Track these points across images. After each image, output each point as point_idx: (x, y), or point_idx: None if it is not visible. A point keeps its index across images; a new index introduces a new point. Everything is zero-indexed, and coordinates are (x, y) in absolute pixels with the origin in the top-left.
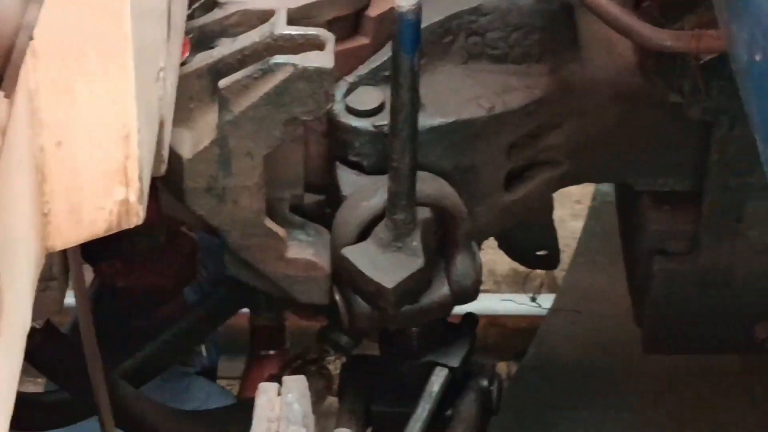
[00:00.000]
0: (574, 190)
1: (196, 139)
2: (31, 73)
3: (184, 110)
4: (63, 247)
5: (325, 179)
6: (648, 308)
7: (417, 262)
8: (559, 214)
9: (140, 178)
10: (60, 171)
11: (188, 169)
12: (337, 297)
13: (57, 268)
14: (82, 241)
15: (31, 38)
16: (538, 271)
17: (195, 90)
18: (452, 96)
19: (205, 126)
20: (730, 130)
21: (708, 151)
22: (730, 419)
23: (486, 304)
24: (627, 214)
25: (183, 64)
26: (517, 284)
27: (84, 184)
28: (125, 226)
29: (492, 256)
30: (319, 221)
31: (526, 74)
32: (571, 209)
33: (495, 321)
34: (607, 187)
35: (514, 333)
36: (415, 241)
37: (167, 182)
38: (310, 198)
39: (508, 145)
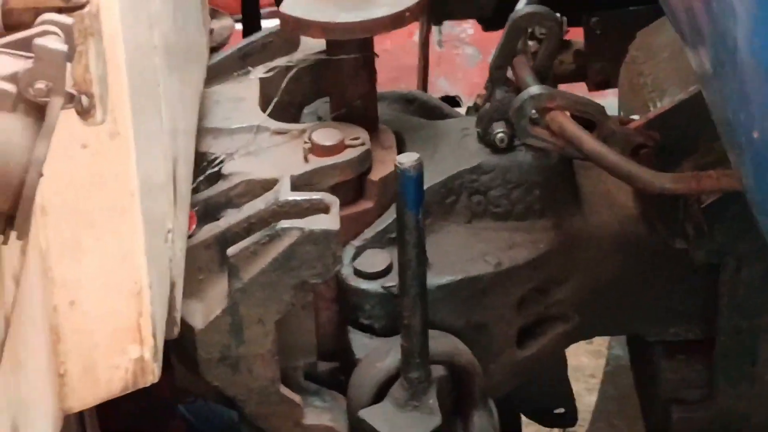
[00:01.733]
0: (587, 363)
1: (207, 309)
2: (41, 231)
3: (193, 282)
4: (80, 408)
5: (338, 345)
6: None
7: (434, 420)
8: (574, 388)
9: (154, 336)
10: (74, 330)
11: (201, 340)
12: None
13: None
14: (99, 402)
15: (41, 174)
16: None
17: (204, 261)
18: (459, 254)
19: (216, 296)
20: (737, 272)
21: (716, 295)
22: None
23: None
24: (641, 365)
25: (190, 236)
26: None
27: (98, 343)
28: (141, 385)
29: None
30: (334, 388)
31: (530, 230)
32: (586, 383)
33: None
34: (620, 351)
35: None
36: (431, 399)
37: (180, 355)
38: (323, 366)
39: (517, 301)
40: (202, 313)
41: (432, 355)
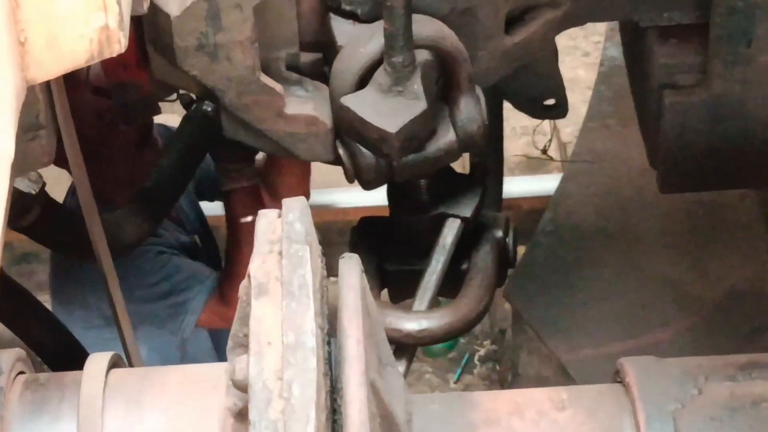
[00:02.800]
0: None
1: None
2: None
3: None
4: (45, 78)
5: (320, 36)
6: (661, 146)
7: (419, 105)
8: (570, 100)
9: (119, 3)
10: None
11: (177, 27)
12: (341, 150)
13: (44, 116)
14: (63, 72)
15: None
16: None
17: None
18: None
19: None
20: None
21: None
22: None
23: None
24: (634, 54)
25: None
26: (530, 170)
27: (60, 12)
28: (107, 55)
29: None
30: (317, 80)
31: None
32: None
33: (510, 203)
34: (615, 53)
35: (530, 214)
36: (416, 84)
37: (157, 45)
38: (306, 57)
39: None
40: (178, 0)
41: (416, 39)
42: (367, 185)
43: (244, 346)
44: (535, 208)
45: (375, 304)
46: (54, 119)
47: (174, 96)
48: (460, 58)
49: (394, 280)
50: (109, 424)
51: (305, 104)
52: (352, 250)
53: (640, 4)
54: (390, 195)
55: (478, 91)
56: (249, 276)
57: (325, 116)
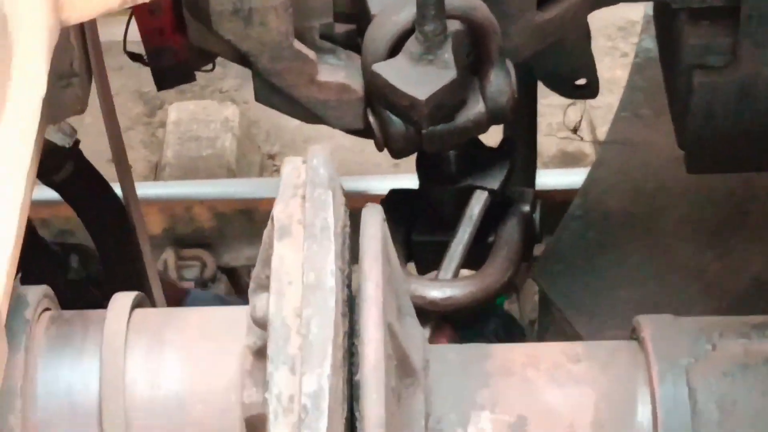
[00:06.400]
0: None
1: None
2: None
3: None
4: (79, 20)
5: (354, 7)
6: (689, 126)
7: (449, 74)
8: (607, 100)
9: None
10: None
11: None
12: (371, 119)
13: (78, 63)
14: (96, 14)
15: None
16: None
17: None
18: None
19: None
20: None
21: None
22: None
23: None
24: (666, 37)
25: None
26: (565, 165)
27: None
28: (140, 0)
29: (539, 138)
30: (351, 50)
31: None
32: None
33: (543, 195)
34: (650, 44)
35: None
36: (447, 54)
37: (194, 10)
38: (340, 28)
39: None
40: None
41: (448, 8)
42: (397, 154)
43: (265, 287)
44: (567, 200)
45: (396, 255)
46: (88, 68)
47: (210, 66)
48: (491, 30)
49: (421, 251)
50: (131, 360)
51: (338, 72)
52: None
53: None
54: (419, 167)
55: (509, 64)
56: (272, 218)
57: (357, 84)
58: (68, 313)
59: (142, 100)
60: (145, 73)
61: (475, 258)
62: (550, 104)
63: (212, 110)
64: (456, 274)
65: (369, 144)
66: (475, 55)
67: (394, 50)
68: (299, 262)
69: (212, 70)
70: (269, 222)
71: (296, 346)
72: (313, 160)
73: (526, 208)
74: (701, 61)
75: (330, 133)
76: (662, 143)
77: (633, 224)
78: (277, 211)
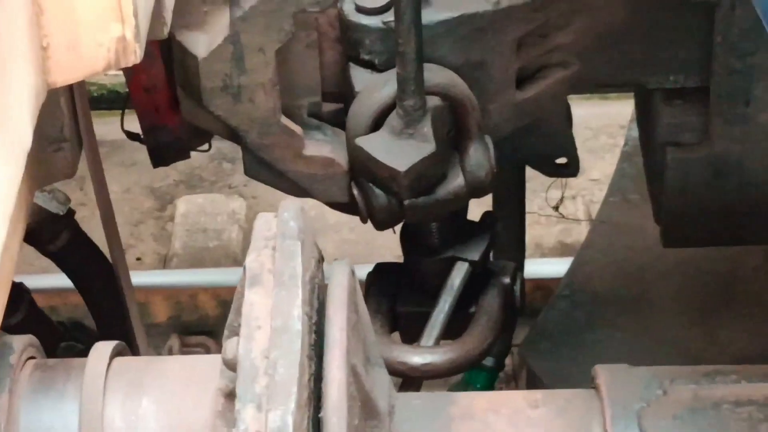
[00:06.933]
0: None
1: (210, 39)
2: None
3: (198, 14)
4: (65, 83)
5: (341, 87)
6: (665, 201)
7: (428, 147)
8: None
9: (135, 15)
10: (57, 4)
11: (204, 69)
12: (356, 191)
13: (68, 129)
14: (82, 77)
15: None
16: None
17: None
18: None
19: (219, 27)
20: (731, 10)
21: (712, 36)
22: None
23: (532, 268)
24: (644, 118)
25: None
26: (563, 255)
27: (81, 19)
28: (123, 65)
29: (539, 230)
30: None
31: None
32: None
33: (540, 284)
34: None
35: None
36: (426, 128)
37: (186, 87)
38: (328, 107)
39: (516, 42)
40: (205, 43)
41: (427, 85)
42: (380, 225)
43: (237, 333)
44: None
45: (365, 306)
46: (78, 133)
47: (206, 146)
48: (469, 106)
49: (405, 321)
50: (110, 403)
51: (323, 147)
52: (366, 292)
53: (648, 68)
54: (403, 239)
55: (488, 140)
56: (244, 269)
57: (342, 159)
58: (52, 361)
59: (153, 195)
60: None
61: (456, 329)
62: (549, 197)
63: (219, 203)
64: (437, 342)
65: (376, 236)
66: (455, 130)
67: (376, 125)
68: (269, 308)
69: (209, 150)
70: (242, 272)
71: (263, 385)
72: (284, 214)
73: (507, 279)
74: (675, 139)
75: (336, 227)
76: (649, 226)
77: (620, 303)
78: (249, 261)
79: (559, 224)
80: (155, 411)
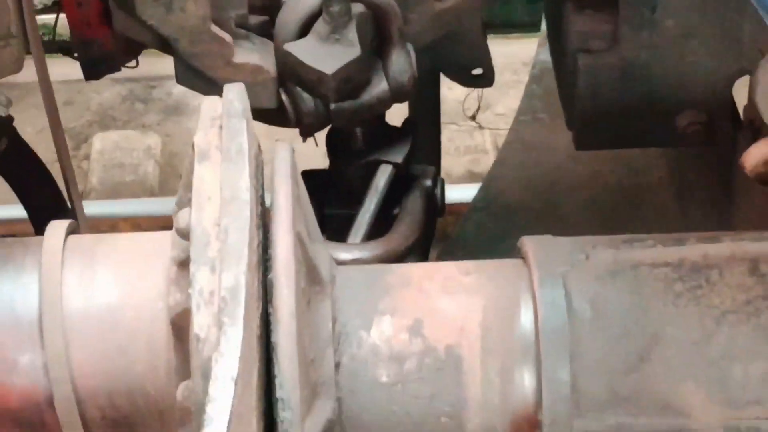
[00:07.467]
0: None
1: None
2: None
3: None
4: None
5: (268, 0)
6: (577, 106)
7: (354, 51)
8: None
9: None
10: None
11: None
12: (284, 96)
13: (15, 27)
14: None
15: None
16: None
17: None
18: None
19: None
20: None
21: None
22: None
23: None
24: (555, 29)
25: None
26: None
27: None
28: None
29: (449, 161)
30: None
31: None
32: None
33: (452, 209)
34: (545, 56)
35: None
36: (352, 33)
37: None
38: (255, 19)
39: None
40: None
41: None
42: (307, 129)
43: (188, 205)
44: None
45: (305, 187)
46: (24, 32)
47: (134, 63)
48: (392, 13)
49: (332, 223)
50: (67, 275)
51: (252, 54)
52: None
53: None
54: (329, 145)
55: (410, 47)
56: (193, 146)
57: (270, 66)
58: (9, 239)
59: (67, 135)
60: (71, 110)
61: (381, 228)
62: (459, 129)
63: (135, 139)
64: (363, 240)
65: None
66: (378, 38)
67: (303, 31)
68: (217, 180)
69: (136, 66)
70: (190, 150)
71: (215, 250)
72: (228, 94)
73: (428, 182)
74: (585, 46)
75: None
76: (559, 143)
77: (533, 214)
78: (197, 139)
79: (467, 155)
80: (112, 280)
